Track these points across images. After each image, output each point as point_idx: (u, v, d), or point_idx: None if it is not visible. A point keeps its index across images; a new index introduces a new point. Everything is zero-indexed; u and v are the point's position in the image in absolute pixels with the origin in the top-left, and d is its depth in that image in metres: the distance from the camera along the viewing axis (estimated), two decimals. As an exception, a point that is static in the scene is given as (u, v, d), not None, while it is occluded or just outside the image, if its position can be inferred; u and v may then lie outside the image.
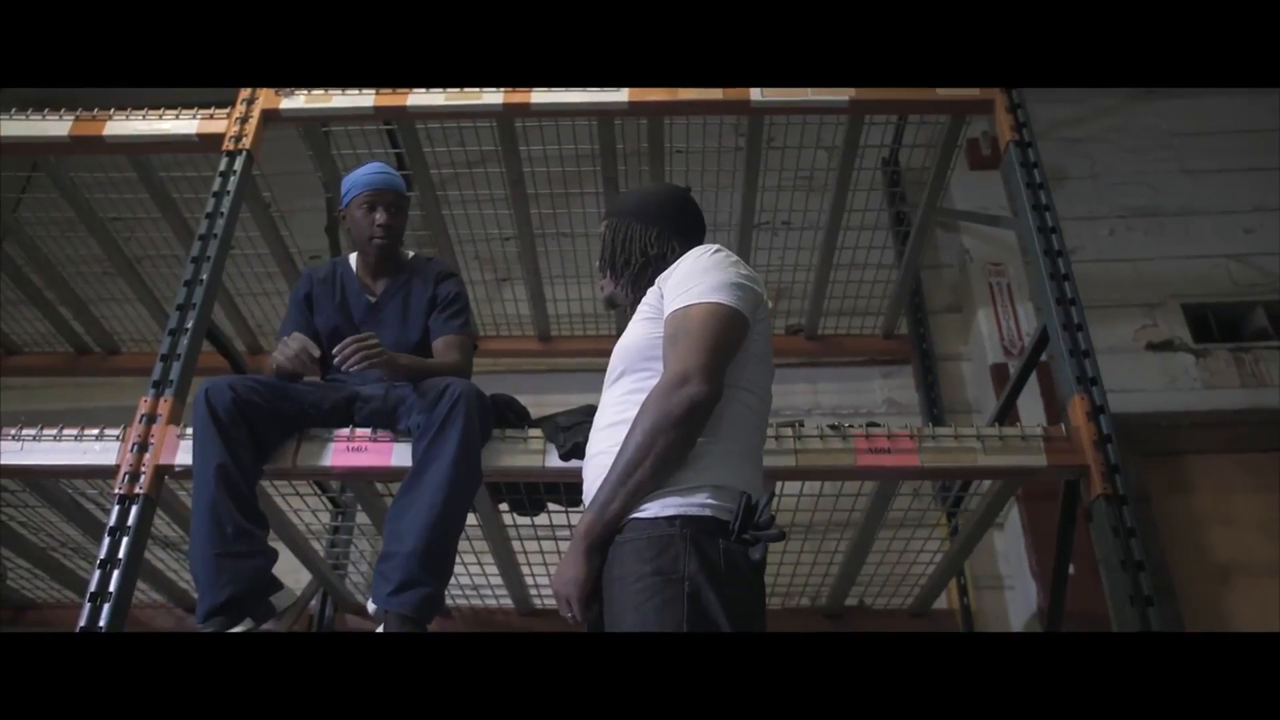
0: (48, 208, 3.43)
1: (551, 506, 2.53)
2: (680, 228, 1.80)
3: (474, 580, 3.10)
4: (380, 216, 2.36)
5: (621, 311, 1.89)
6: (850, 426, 2.18)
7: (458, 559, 2.94)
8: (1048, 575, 2.65)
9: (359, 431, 2.20)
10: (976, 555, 3.32)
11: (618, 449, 1.53)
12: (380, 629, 1.93)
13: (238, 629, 1.96)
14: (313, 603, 3.24)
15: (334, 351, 2.05)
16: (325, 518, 3.09)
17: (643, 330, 1.64)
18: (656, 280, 1.69)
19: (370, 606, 1.99)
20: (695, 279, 1.59)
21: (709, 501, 1.44)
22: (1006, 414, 2.82)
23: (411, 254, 2.53)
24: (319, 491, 2.97)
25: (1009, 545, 3.32)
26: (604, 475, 1.53)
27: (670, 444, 1.45)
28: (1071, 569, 2.93)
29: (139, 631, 3.14)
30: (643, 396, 1.56)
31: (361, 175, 2.41)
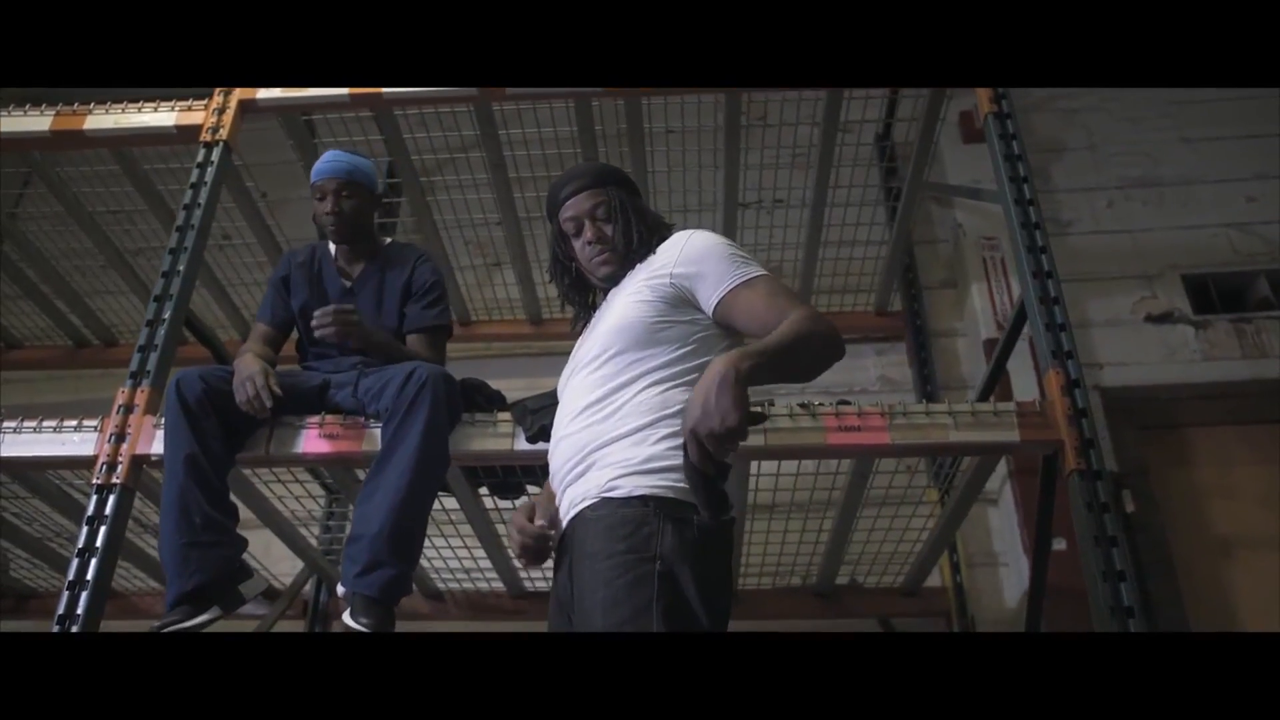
0: (37, 202, 3.48)
1: (531, 490, 2.53)
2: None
3: (464, 564, 3.12)
4: (328, 205, 2.34)
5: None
6: (820, 405, 2.17)
7: (446, 543, 3.00)
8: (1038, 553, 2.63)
9: (330, 417, 2.22)
10: (970, 532, 3.31)
11: (599, 427, 1.52)
12: (347, 612, 1.94)
13: (204, 616, 1.98)
14: (306, 588, 3.28)
15: (314, 317, 2.09)
16: (319, 504, 3.12)
17: (639, 312, 1.59)
18: (655, 262, 1.65)
19: (340, 589, 2.01)
20: (737, 254, 1.61)
21: (678, 484, 1.43)
22: (992, 389, 2.80)
23: (389, 240, 2.53)
24: (312, 478, 2.99)
25: (1003, 522, 3.29)
26: (585, 455, 1.52)
27: (824, 353, 1.49)
28: (1064, 544, 2.92)
29: (127, 623, 3.20)
30: (627, 379, 1.55)
31: (315, 166, 2.40)
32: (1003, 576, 3.23)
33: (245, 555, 3.05)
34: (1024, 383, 3.24)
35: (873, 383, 3.68)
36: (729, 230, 3.33)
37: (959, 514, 2.65)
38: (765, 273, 1.60)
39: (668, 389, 1.54)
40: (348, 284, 2.40)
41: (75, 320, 3.74)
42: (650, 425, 1.50)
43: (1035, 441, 2.14)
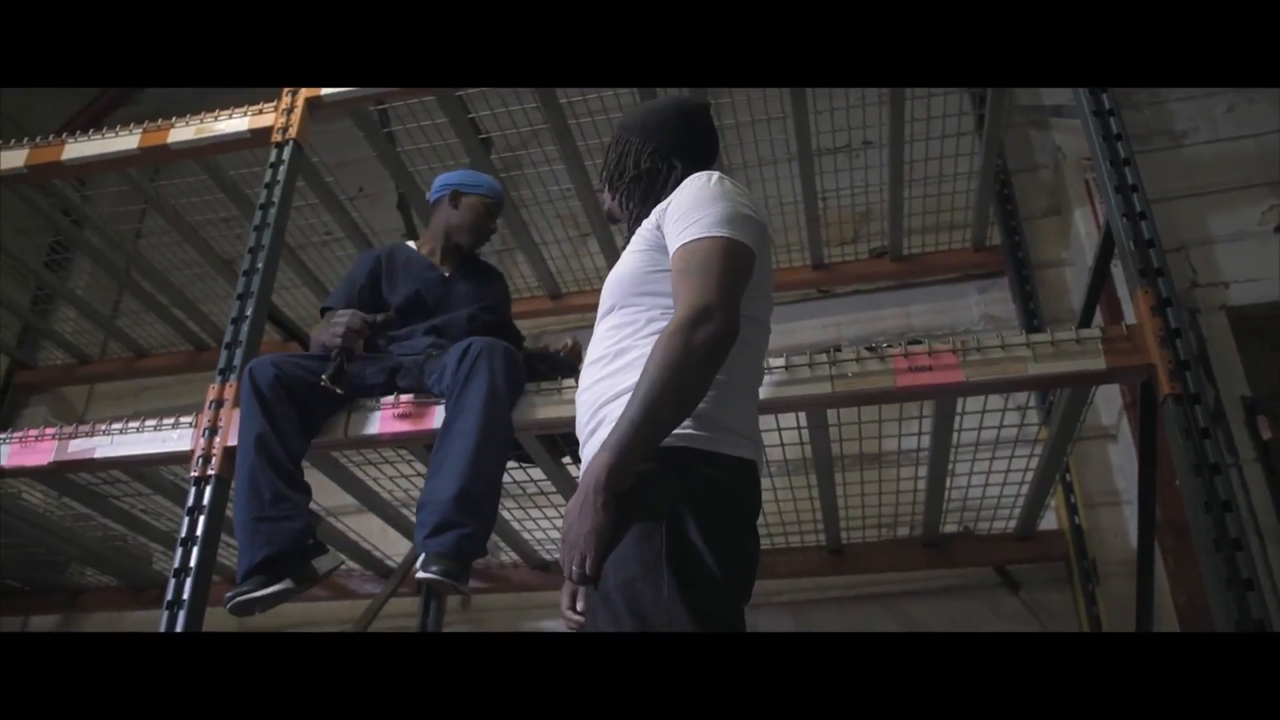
0: (145, 218, 3.68)
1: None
2: (680, 144, 1.71)
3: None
4: (493, 223, 2.62)
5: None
6: (889, 346, 2.09)
7: (543, 514, 3.04)
8: (1163, 488, 2.45)
9: (403, 398, 2.27)
10: (1088, 470, 3.14)
11: (606, 382, 1.50)
12: (420, 571, 1.98)
13: (276, 588, 2.03)
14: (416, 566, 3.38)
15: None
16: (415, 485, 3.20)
17: (634, 263, 1.58)
18: (654, 212, 1.62)
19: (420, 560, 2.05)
20: (700, 210, 1.50)
21: (686, 431, 1.41)
22: (1090, 316, 2.64)
23: None
24: (401, 458, 3.07)
25: (1123, 457, 3.10)
26: (593, 412, 1.51)
27: (697, 382, 1.38)
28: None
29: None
30: (629, 331, 1.53)
31: (485, 178, 2.61)
32: (1126, 515, 3.04)
33: (360, 538, 3.19)
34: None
35: (976, 321, 3.52)
36: (807, 178, 3.23)
37: (1058, 451, 2.51)
38: (709, 235, 1.46)
39: None
40: (446, 273, 2.54)
41: (193, 326, 3.95)
42: None
43: (1124, 368, 2.00)
